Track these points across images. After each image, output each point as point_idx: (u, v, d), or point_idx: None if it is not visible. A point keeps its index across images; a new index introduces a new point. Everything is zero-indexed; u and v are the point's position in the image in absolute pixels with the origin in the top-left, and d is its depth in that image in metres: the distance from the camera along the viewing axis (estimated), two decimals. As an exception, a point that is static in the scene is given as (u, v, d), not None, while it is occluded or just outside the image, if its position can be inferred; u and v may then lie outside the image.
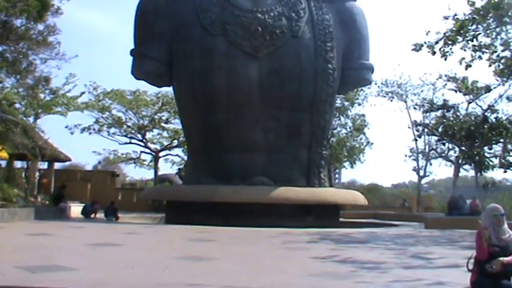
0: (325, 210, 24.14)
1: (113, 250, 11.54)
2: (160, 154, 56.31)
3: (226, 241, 14.75)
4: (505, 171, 44.57)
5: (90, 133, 52.62)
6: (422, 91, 50.42)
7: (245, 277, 8.04)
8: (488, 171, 45.08)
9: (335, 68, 25.63)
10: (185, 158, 46.97)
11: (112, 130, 53.56)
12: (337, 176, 73.86)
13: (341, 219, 27.09)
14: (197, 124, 25.48)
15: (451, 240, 17.14)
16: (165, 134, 56.35)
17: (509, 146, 45.06)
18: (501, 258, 7.13)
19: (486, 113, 45.42)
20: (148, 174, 70.69)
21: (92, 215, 26.94)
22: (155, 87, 34.01)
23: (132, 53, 26.19)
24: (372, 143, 54.04)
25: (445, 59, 25.38)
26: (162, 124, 54.93)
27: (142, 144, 55.08)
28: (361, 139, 53.50)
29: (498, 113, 44.88)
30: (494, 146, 46.16)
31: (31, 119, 40.80)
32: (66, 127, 52.62)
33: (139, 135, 54.34)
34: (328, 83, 25.25)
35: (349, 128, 52.55)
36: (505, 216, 7.42)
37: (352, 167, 55.21)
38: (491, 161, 45.40)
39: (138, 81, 28.31)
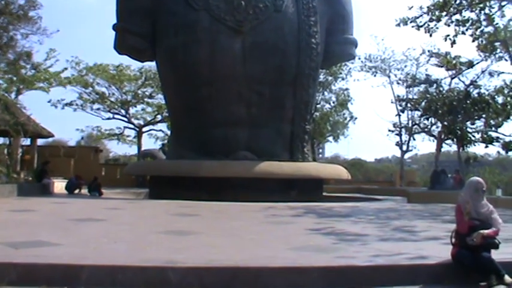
0: (309, 185, 24.22)
1: (95, 225, 11.51)
2: (144, 129, 56.19)
3: (210, 216, 14.76)
4: (487, 146, 44.90)
5: (73, 109, 52.40)
6: (405, 66, 50.63)
7: (228, 251, 8.06)
8: (471, 146, 45.36)
9: (318, 42, 25.59)
10: (169, 133, 46.83)
11: (95, 106, 53.36)
12: (320, 150, 74.14)
13: (324, 194, 27.23)
14: (180, 99, 25.38)
15: (433, 214, 17.27)
16: (148, 109, 56.22)
17: (491, 121, 45.36)
18: (481, 231, 7.20)
19: (469, 88, 45.61)
20: (132, 150, 70.70)
21: (76, 191, 26.85)
22: (138, 62, 33.81)
23: (114, 27, 25.98)
24: (356, 118, 54.34)
25: (430, 35, 25.42)
26: (146, 99, 54.73)
27: (125, 119, 54.90)
28: (344, 114, 53.70)
29: (480, 88, 45.10)
30: (476, 121, 46.44)
31: (13, 95, 40.51)
32: (48, 102, 52.36)
33: (122, 111, 54.14)
34: (311, 57, 25.22)
35: (333, 102, 52.65)
36: (485, 191, 7.49)
37: (335, 141, 55.58)
38: (473, 136, 45.68)
39: (121, 56, 28.15)
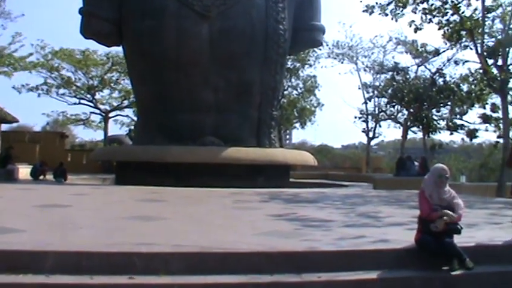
0: (276, 171, 24.32)
1: (61, 211, 11.43)
2: (110, 115, 55.80)
3: (177, 201, 14.76)
4: (452, 134, 45.57)
5: (38, 94, 51.78)
6: (372, 53, 51.04)
7: (195, 236, 8.08)
8: (436, 133, 45.97)
9: (286, 28, 25.63)
10: (135, 118, 46.58)
11: (61, 91, 52.81)
12: (287, 137, 74.40)
13: (291, 180, 27.35)
14: (147, 84, 25.24)
15: (398, 200, 17.47)
16: (115, 94, 55.78)
17: (456, 109, 45.95)
18: (445, 218, 7.31)
19: (435, 76, 46.11)
20: (98, 135, 70.15)
21: (41, 177, 26.59)
22: (105, 46, 33.50)
23: (80, 11, 25.68)
24: (323, 105, 54.60)
25: (396, 21, 25.64)
26: (112, 84, 54.30)
27: (91, 105, 54.44)
28: (311, 100, 53.90)
29: (446, 76, 45.63)
30: (442, 108, 47.05)
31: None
32: (13, 87, 51.70)
33: (88, 96, 53.66)
34: (279, 43, 25.26)
35: (300, 89, 52.82)
36: (448, 177, 7.60)
37: (302, 128, 55.79)
38: (438, 123, 46.29)
39: (88, 40, 27.88)
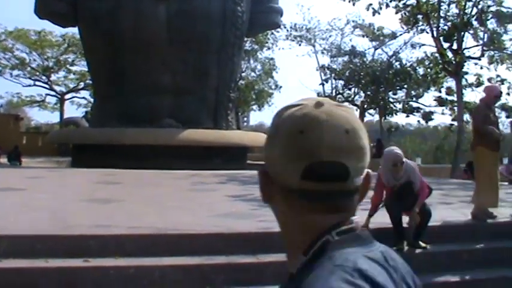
0: (233, 153, 24.33)
1: (15, 195, 11.30)
2: (66, 97, 55.13)
3: (133, 183, 14.72)
4: (408, 116, 46.27)
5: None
6: (330, 36, 51.19)
7: (151, 218, 8.10)
8: (392, 115, 46.58)
9: (244, 10, 25.58)
10: (92, 100, 46.12)
11: (15, 72, 51.93)
12: (245, 118, 74.44)
13: (249, 162, 27.41)
14: (104, 66, 24.97)
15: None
16: (71, 76, 55.06)
17: (412, 92, 46.61)
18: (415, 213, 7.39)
19: (391, 60, 46.62)
20: (54, 118, 69.24)
21: (-5, 160, 26.24)
22: (60, 27, 33.01)
23: (35, -10, 25.27)
24: (281, 87, 54.67)
25: (353, 4, 25.81)
26: (68, 66, 53.59)
27: (47, 86, 53.68)
28: (269, 83, 53.96)
29: (402, 59, 46.22)
30: (398, 91, 47.68)
31: None
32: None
33: (44, 77, 52.88)
34: (236, 25, 25.21)
35: (258, 71, 52.87)
36: (404, 162, 7.62)
37: (260, 110, 55.86)
38: (395, 106, 46.92)
39: (43, 21, 27.44)
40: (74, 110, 65.80)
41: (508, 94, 32.03)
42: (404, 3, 27.53)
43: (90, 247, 6.53)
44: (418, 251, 7.35)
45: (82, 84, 53.90)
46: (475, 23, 26.38)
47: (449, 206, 10.54)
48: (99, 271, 6.18)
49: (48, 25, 31.87)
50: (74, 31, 41.10)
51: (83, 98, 57.00)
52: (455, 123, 33.58)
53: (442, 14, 28.97)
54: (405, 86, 46.41)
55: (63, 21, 27.19)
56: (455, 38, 28.80)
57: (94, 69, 26.95)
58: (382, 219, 7.62)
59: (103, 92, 25.78)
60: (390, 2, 26.39)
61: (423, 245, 7.36)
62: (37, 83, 53.05)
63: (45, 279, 6.00)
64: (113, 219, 7.81)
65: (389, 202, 7.53)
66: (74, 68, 53.87)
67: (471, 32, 28.36)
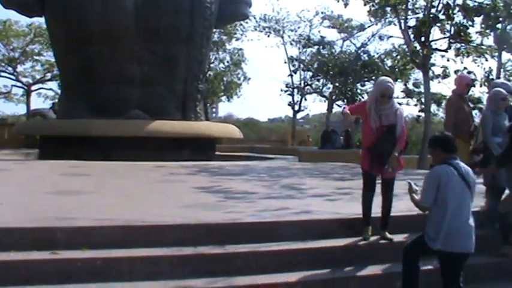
0: (201, 144, 24.31)
1: (-19, 186, 11.18)
2: (33, 88, 54.42)
3: (101, 175, 14.60)
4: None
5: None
6: (299, 27, 51.31)
7: (119, 210, 8.06)
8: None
9: (213, 1, 25.52)
10: (59, 91, 45.64)
11: (-21, 63, 51.13)
12: (214, 110, 74.24)
13: (217, 153, 27.42)
14: (71, 57, 24.70)
15: (323, 172, 17.76)
16: (38, 67, 54.37)
17: (380, 83, 46.80)
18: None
19: (359, 51, 46.92)
20: (21, 109, 68.40)
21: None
22: (26, 17, 32.56)
23: (-1, -21, 24.89)
24: (249, 78, 54.69)
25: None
26: (35, 56, 52.92)
27: (13, 77, 52.94)
28: (238, 74, 53.94)
29: (370, 51, 46.56)
30: (366, 83, 47.98)
31: None
32: None
33: (9, 68, 52.14)
34: (205, 16, 25.12)
35: (227, 62, 52.79)
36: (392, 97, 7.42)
37: (229, 101, 55.90)
38: (363, 97, 47.15)
39: (8, 10, 27.04)
40: (41, 101, 64.94)
41: (474, 86, 32.39)
42: (372, -4, 27.70)
43: (57, 239, 6.48)
44: (382, 241, 7.43)
45: (49, 75, 53.24)
46: (442, 16, 26.56)
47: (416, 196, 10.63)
48: (67, 263, 6.14)
49: (14, 15, 31.49)
50: (40, 21, 40.61)
51: (50, 89, 56.32)
52: (423, 114, 33.88)
53: (409, 7, 29.18)
54: (373, 77, 46.70)
55: (29, 11, 26.82)
56: (423, 31, 29.05)
57: (61, 60, 26.65)
58: (351, 210, 7.69)
59: (70, 83, 25.52)
60: (359, -7, 26.52)
61: (389, 236, 7.43)
62: (2, 74, 52.27)
63: (11, 272, 5.95)
64: (80, 211, 7.76)
65: (373, 147, 7.39)
66: (40, 59, 53.20)
67: (438, 25, 28.60)
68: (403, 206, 8.20)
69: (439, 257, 6.09)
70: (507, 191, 8.59)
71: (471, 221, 6.00)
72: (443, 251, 5.92)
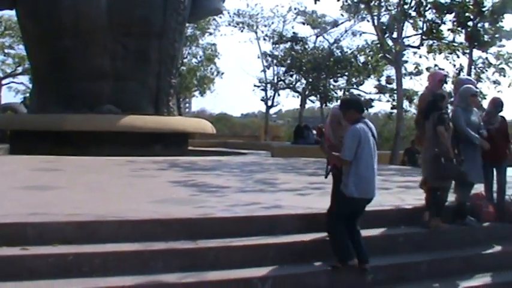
0: (174, 139, 24.24)
1: (-50, 181, 11.06)
2: (4, 82, 53.87)
3: (73, 170, 14.51)
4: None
5: None
6: (273, 23, 51.28)
7: (90, 205, 8.04)
8: (333, 102, 47.04)
9: (186, -5, 25.46)
10: (30, 86, 45.19)
11: None
12: (187, 105, 74.18)
13: (190, 148, 27.36)
14: (42, 51, 24.47)
15: (295, 167, 17.86)
16: (8, 60, 53.82)
17: (352, 79, 47.23)
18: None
19: (332, 47, 47.11)
20: (-9, 104, 67.47)
21: None
22: (-4, 10, 32.20)
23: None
24: (223, 73, 54.69)
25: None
26: (5, 50, 52.34)
27: (-17, 71, 52.36)
28: (211, 69, 53.90)
29: (343, 47, 46.80)
30: (339, 78, 48.27)
31: None
32: None
33: (-21, 62, 51.56)
34: (178, 11, 25.02)
35: (200, 57, 52.72)
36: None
37: (202, 96, 55.86)
38: (335, 93, 47.47)
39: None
40: (12, 96, 64.27)
41: (446, 82, 32.70)
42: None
43: (28, 235, 6.45)
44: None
45: (20, 69, 52.72)
46: (414, 13, 26.81)
47: (387, 192, 10.78)
48: (38, 259, 6.10)
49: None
50: (10, 13, 40.15)
51: (21, 83, 55.81)
52: (395, 110, 34.18)
53: (382, 3, 29.40)
54: (346, 73, 47.07)
55: (0, 4, 26.52)
56: (395, 27, 29.27)
57: (32, 54, 26.39)
58: (322, 204, 7.75)
59: (42, 77, 25.28)
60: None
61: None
62: (-28, 68, 51.79)
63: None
64: (51, 207, 7.72)
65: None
66: (11, 52, 52.65)
67: (411, 21, 28.85)
68: (374, 201, 8.28)
69: (351, 205, 6.94)
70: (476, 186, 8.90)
71: (376, 171, 7.00)
72: (359, 198, 6.85)
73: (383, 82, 45.09)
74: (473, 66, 27.24)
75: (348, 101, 7.37)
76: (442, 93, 8.90)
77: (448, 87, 25.88)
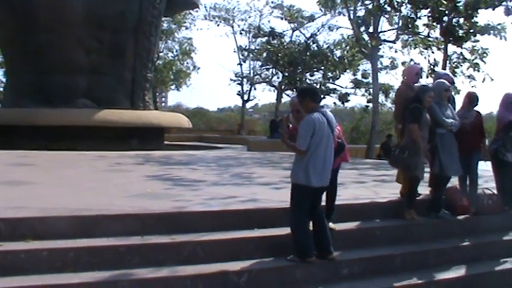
0: (150, 133, 24.13)
1: None
2: (-24, 76, 53.13)
3: (47, 165, 14.38)
4: (324, 97, 46.92)
5: None
6: (249, 17, 51.21)
7: (65, 200, 7.97)
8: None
9: (162, -11, 25.33)
10: (4, 80, 44.67)
11: None
12: (163, 99, 73.94)
13: (166, 142, 27.27)
14: (16, 44, 24.20)
15: (271, 161, 17.90)
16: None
17: (329, 74, 47.38)
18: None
19: (309, 41, 47.20)
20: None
21: None
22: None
23: None
24: (199, 68, 54.62)
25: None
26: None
27: (-46, 65, 51.53)
28: (188, 63, 53.80)
29: (320, 41, 46.92)
30: (315, 73, 48.40)
31: None
32: None
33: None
34: (154, 4, 24.88)
35: (176, 51, 52.56)
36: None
37: (178, 90, 55.71)
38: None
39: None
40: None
41: (421, 77, 32.93)
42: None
43: (1, 230, 6.37)
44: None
45: (-7, 62, 52.03)
46: (389, 8, 26.91)
47: (362, 185, 10.85)
48: (10, 255, 6.01)
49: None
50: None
51: (-6, 77, 55.08)
52: (371, 104, 34.36)
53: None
54: (322, 67, 47.19)
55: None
56: (371, 22, 29.41)
57: (6, 47, 26.13)
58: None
59: (16, 70, 25.01)
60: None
61: (332, 225, 7.49)
62: None
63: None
64: (24, 202, 7.63)
65: None
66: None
67: (386, 16, 28.99)
68: (349, 195, 8.33)
69: (308, 194, 6.87)
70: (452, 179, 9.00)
71: (331, 160, 6.99)
72: (317, 187, 6.84)
73: (359, 76, 45.35)
74: (448, 61, 27.41)
75: (303, 90, 7.44)
76: (426, 87, 8.94)
77: (423, 81, 26.07)
